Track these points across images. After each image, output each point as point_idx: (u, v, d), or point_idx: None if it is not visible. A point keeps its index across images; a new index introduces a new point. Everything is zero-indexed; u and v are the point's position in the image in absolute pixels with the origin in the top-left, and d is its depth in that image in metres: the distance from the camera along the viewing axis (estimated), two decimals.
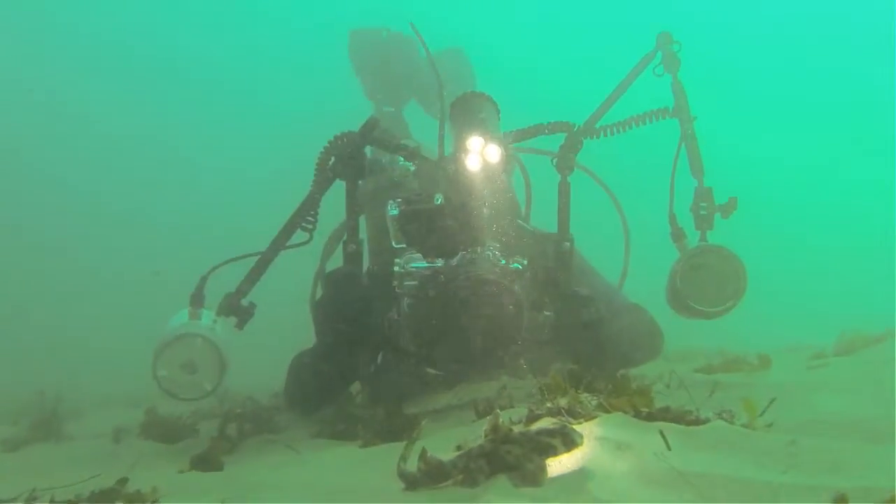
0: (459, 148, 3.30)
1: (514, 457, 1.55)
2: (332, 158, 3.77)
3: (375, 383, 3.92)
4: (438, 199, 3.23)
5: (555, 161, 3.88)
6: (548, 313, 3.50)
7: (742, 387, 3.12)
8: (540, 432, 1.61)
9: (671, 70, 4.25)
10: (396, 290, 3.28)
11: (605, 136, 3.96)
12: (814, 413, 2.28)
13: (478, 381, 3.97)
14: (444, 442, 2.55)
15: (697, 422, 2.04)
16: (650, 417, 2.08)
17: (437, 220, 3.18)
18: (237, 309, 3.84)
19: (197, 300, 3.96)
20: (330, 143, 3.77)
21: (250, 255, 3.89)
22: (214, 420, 4.58)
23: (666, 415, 2.08)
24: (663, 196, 4.28)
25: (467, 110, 3.44)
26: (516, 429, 1.72)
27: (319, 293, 4.34)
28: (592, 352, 3.55)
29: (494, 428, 1.62)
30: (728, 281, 3.93)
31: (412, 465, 1.67)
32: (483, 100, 3.52)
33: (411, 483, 1.64)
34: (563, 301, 3.58)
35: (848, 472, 1.57)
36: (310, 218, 3.81)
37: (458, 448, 2.35)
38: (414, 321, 3.25)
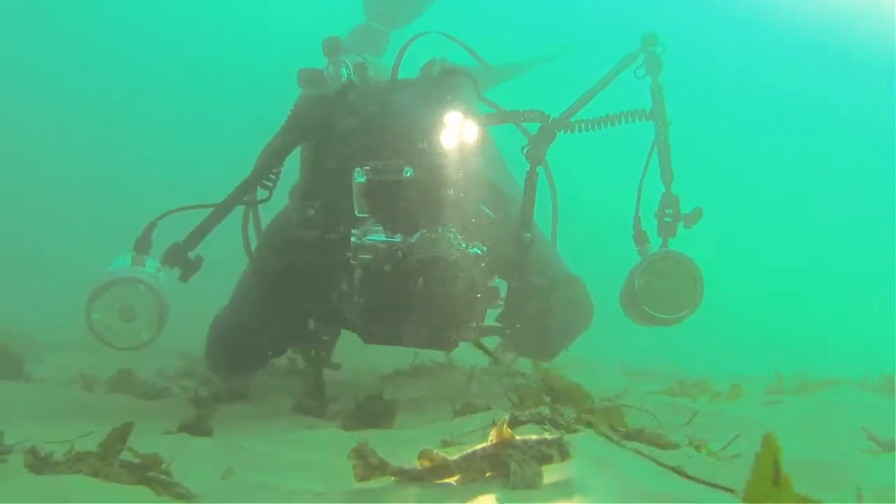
0: (438, 124, 3.23)
1: (515, 461, 1.72)
2: (303, 119, 3.68)
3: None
4: (408, 172, 3.16)
5: (525, 150, 3.87)
6: (500, 303, 3.49)
7: (707, 415, 3.32)
8: (540, 442, 1.78)
9: (652, 73, 4.18)
10: (351, 261, 3.15)
11: (579, 131, 3.94)
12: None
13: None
14: (426, 436, 2.71)
15: (669, 446, 2.23)
16: (626, 437, 2.27)
17: (405, 193, 3.12)
18: (183, 260, 3.65)
19: (143, 246, 3.73)
20: (303, 103, 3.73)
21: (205, 205, 3.71)
22: (182, 379, 4.66)
23: (640, 436, 2.27)
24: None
25: (447, 86, 3.38)
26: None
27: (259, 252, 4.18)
28: (536, 340, 3.70)
29: (499, 433, 1.78)
30: (685, 290, 3.94)
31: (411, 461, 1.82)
32: (463, 77, 3.49)
33: (415, 478, 1.79)
34: (516, 291, 3.60)
35: None
36: (272, 175, 3.71)
37: (444, 443, 2.52)
38: (366, 296, 3.14)
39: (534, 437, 1.81)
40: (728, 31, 18.08)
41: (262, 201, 3.85)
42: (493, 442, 1.76)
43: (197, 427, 2.78)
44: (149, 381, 4.35)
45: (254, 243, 4.33)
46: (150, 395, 4.01)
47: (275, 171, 3.72)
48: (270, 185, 3.74)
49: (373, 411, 3.15)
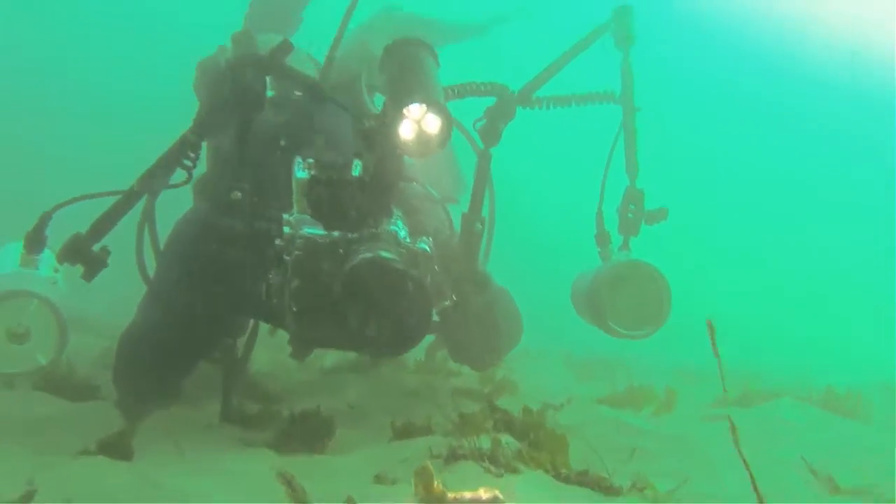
0: (394, 110, 2.59)
1: None
2: (229, 86, 3.17)
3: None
4: (357, 169, 2.78)
5: (478, 125, 3.51)
6: (448, 303, 3.12)
7: (646, 435, 3.26)
8: (474, 500, 1.67)
9: (623, 48, 3.86)
10: (284, 256, 2.74)
11: (542, 108, 3.67)
12: (719, 489, 2.44)
13: None
14: (360, 464, 2.60)
15: (613, 490, 2.15)
16: (568, 480, 2.18)
17: (353, 193, 2.73)
18: (86, 256, 3.06)
19: (35, 244, 3.14)
20: (232, 64, 3.23)
21: (111, 193, 3.16)
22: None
23: (584, 479, 2.19)
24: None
25: (405, 64, 2.72)
26: (435, 463, 1.76)
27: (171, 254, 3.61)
28: (483, 340, 3.48)
29: (427, 489, 1.66)
30: (650, 304, 3.69)
31: None
32: (424, 51, 2.78)
33: None
34: (465, 287, 3.29)
35: None
36: (192, 155, 3.18)
37: (377, 478, 2.40)
38: (300, 295, 2.70)
39: (468, 494, 1.69)
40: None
41: (179, 185, 3.27)
42: (423, 500, 1.65)
43: (116, 448, 2.62)
44: (82, 374, 4.10)
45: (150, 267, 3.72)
46: (80, 395, 3.77)
47: (195, 148, 3.18)
48: (190, 164, 3.19)
49: (308, 428, 3.03)
